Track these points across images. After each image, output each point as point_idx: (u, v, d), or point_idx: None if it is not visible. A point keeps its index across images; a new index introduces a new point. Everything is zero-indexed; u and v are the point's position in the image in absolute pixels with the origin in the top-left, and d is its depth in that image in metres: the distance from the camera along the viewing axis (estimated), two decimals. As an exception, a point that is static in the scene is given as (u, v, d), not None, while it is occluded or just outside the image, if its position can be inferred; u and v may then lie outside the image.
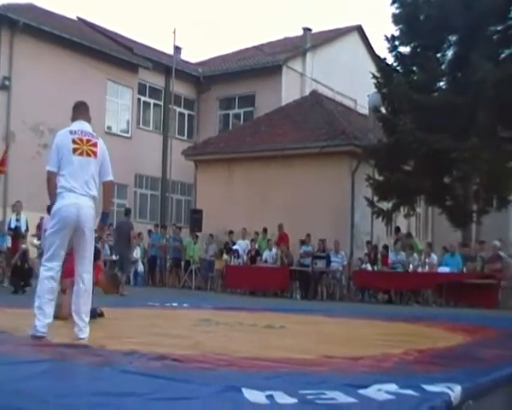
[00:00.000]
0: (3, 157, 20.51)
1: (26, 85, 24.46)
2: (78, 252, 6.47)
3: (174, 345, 6.16)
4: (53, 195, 6.47)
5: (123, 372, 4.43)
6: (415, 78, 21.43)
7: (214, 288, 21.60)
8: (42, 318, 6.19)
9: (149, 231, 24.89)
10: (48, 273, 6.28)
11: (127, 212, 20.33)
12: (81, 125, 6.66)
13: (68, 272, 6.94)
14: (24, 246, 16.19)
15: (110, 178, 6.76)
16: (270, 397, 3.70)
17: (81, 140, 6.46)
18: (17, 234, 17.28)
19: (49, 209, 6.81)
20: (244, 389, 3.84)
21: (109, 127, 28.52)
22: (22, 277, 15.51)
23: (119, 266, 18.81)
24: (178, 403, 3.52)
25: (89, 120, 6.85)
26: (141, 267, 23.05)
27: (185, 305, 12.70)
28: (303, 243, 20.50)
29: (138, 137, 29.61)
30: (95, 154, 6.53)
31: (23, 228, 17.76)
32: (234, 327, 8.53)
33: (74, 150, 6.38)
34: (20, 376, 4.15)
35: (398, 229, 21.28)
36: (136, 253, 22.74)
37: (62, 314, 7.94)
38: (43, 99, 24.75)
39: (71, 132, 6.52)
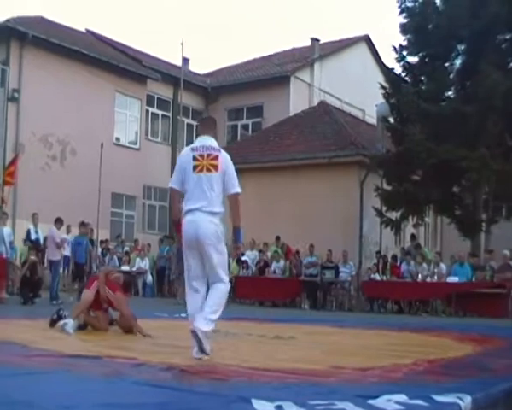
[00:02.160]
0: (13, 169, 20.60)
1: (35, 97, 24.56)
2: (206, 267, 6.33)
3: (183, 356, 6.12)
4: (175, 211, 6.65)
5: (132, 384, 4.44)
6: (423, 87, 21.39)
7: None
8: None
9: (161, 241, 24.90)
10: (192, 294, 6.34)
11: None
12: (203, 141, 6.54)
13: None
14: (33, 257, 16.22)
15: (235, 190, 6.47)
16: (279, 408, 3.70)
17: (201, 156, 6.35)
18: (37, 246, 17.33)
19: (174, 223, 6.80)
20: (253, 400, 3.84)
21: (118, 139, 28.60)
22: (31, 288, 15.53)
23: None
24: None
25: (214, 135, 6.69)
26: (150, 279, 23.04)
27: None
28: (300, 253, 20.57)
29: (147, 148, 29.65)
30: (215, 168, 6.35)
31: (41, 240, 17.82)
32: (243, 338, 8.51)
33: (194, 168, 6.31)
34: (31, 387, 4.18)
35: (413, 236, 21.27)
36: (145, 264, 22.76)
37: (100, 326, 8.18)
38: (52, 111, 24.86)
39: (192, 149, 6.47)
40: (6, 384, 4.21)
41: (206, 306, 6.13)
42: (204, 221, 6.20)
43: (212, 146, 6.47)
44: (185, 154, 6.50)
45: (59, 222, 17.10)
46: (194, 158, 6.34)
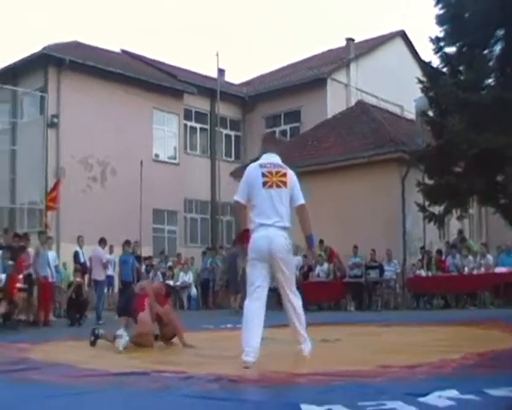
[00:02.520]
0: (55, 194, 20.89)
1: (73, 121, 24.94)
2: (279, 281, 6.63)
3: (231, 366, 6.12)
4: (240, 224, 6.86)
5: (182, 397, 4.43)
6: (462, 78, 21.06)
7: (269, 306, 21.41)
8: (252, 348, 6.25)
9: (203, 254, 24.98)
10: (251, 307, 6.53)
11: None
12: (270, 158, 6.75)
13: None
14: (78, 279, 16.42)
15: (301, 201, 6.75)
16: (329, 411, 3.61)
17: (270, 173, 6.56)
18: (85, 268, 17.53)
19: (238, 237, 7.05)
20: (302, 405, 3.81)
21: (157, 155, 28.85)
22: (78, 309, 15.69)
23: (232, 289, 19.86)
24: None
25: (278, 152, 6.89)
26: (194, 291, 23.11)
27: (240, 325, 12.63)
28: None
29: (186, 162, 29.81)
30: (285, 184, 6.59)
31: (87, 263, 18.03)
32: (290, 344, 8.43)
33: (264, 184, 6.50)
34: (80, 407, 4.21)
35: (460, 232, 21.01)
36: (189, 278, 22.85)
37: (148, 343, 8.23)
38: (90, 132, 25.19)
39: (260, 166, 6.65)
40: (55, 405, 4.25)
41: (300, 330, 6.69)
42: (277, 236, 6.42)
43: (279, 163, 6.69)
44: (253, 170, 6.65)
45: (103, 242, 17.35)
46: (263, 174, 6.53)
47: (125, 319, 8.94)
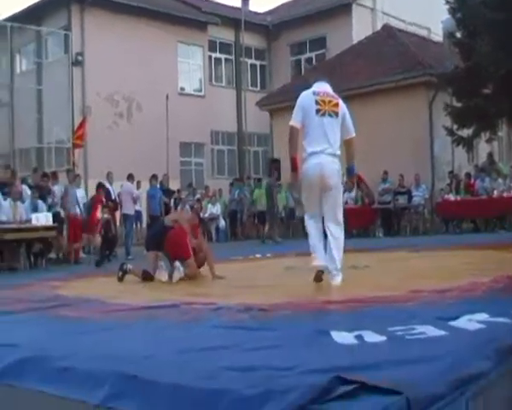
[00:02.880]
0: (82, 132, 20.92)
1: (98, 58, 24.85)
2: (325, 206, 6.84)
3: (260, 295, 6.19)
4: (293, 148, 6.80)
5: (211, 327, 4.48)
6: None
7: (296, 234, 21.53)
8: (320, 255, 6.85)
9: (231, 185, 25.04)
10: (313, 225, 6.93)
11: (270, 173, 20.71)
12: (323, 87, 6.91)
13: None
14: (106, 215, 16.51)
15: (352, 135, 7.00)
16: (358, 337, 3.66)
17: (323, 101, 6.71)
18: (116, 205, 17.65)
19: (292, 160, 6.92)
20: (332, 332, 3.83)
21: (182, 88, 28.75)
22: (107, 246, 15.83)
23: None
24: (268, 352, 3.50)
25: (329, 82, 7.07)
26: (222, 223, 23.21)
27: (268, 255, 12.72)
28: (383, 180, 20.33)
29: (212, 94, 29.69)
30: (336, 114, 6.77)
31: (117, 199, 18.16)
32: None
33: (317, 111, 6.67)
34: (112, 340, 4.24)
35: (490, 155, 20.75)
36: (217, 209, 22.91)
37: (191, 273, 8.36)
38: (115, 69, 25.10)
39: (314, 93, 6.79)
40: (91, 339, 4.29)
41: (334, 260, 6.73)
42: (328, 162, 6.66)
43: (331, 93, 6.89)
44: (307, 96, 6.80)
45: (131, 178, 17.48)
46: (317, 102, 6.69)
47: (153, 254, 8.88)
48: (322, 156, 6.65)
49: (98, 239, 14.82)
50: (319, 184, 6.70)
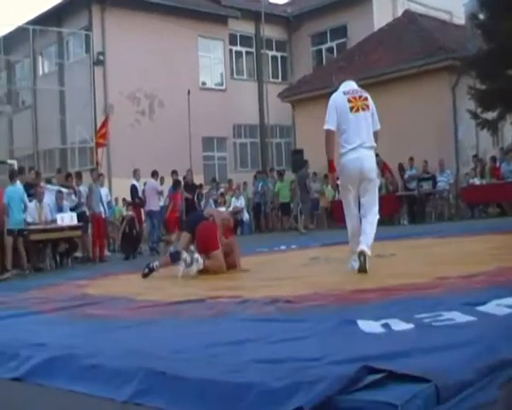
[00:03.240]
0: (104, 130, 21.05)
1: (119, 56, 24.99)
2: (362, 198, 7.20)
3: (285, 287, 6.19)
4: (331, 152, 7.14)
5: (238, 321, 4.50)
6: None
7: (321, 225, 21.49)
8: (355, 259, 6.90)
9: (255, 177, 25.04)
10: (352, 218, 7.26)
11: (303, 165, 20.69)
12: (350, 85, 7.25)
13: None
14: (130, 213, 16.58)
15: (378, 127, 7.29)
16: (385, 326, 3.66)
17: (355, 98, 7.08)
18: (142, 202, 17.78)
19: (329, 162, 7.26)
20: (359, 321, 3.84)
21: (204, 83, 28.82)
22: (132, 243, 15.90)
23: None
24: (295, 343, 3.51)
25: (354, 79, 7.45)
26: (246, 216, 23.21)
27: (293, 246, 12.71)
28: (402, 168, 20.16)
29: (233, 87, 29.72)
30: (368, 107, 7.14)
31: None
32: (344, 261, 8.42)
33: (351, 109, 7.03)
34: (142, 336, 4.29)
35: None
36: (241, 203, 22.91)
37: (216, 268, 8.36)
38: (136, 67, 25.22)
39: (344, 93, 7.14)
40: (118, 336, 4.34)
41: (367, 237, 6.92)
42: (367, 156, 7.03)
43: (359, 89, 7.25)
44: (338, 98, 7.14)
45: (155, 175, 17.56)
46: (349, 100, 7.05)
47: (188, 235, 9.02)
48: (361, 150, 6.96)
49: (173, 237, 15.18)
50: (358, 177, 7.00)
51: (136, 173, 18.07)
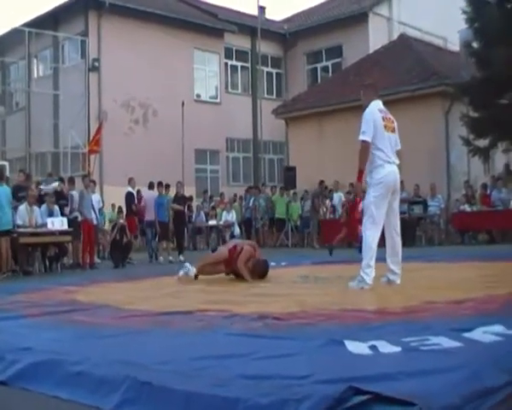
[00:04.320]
0: (97, 137, 21.03)
1: (114, 64, 25.01)
2: (391, 210, 7.57)
3: (274, 304, 6.18)
4: (365, 162, 7.43)
5: (225, 335, 4.49)
6: (508, 6, 20.40)
7: (311, 244, 21.53)
8: (371, 273, 7.23)
9: (246, 192, 25.05)
10: (377, 236, 7.42)
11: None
12: (380, 105, 7.62)
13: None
14: (121, 221, 16.55)
15: (399, 147, 7.72)
16: (373, 347, 3.68)
17: (387, 119, 7.51)
18: (139, 211, 17.92)
19: (360, 173, 7.56)
20: (346, 342, 3.85)
21: (198, 95, 28.87)
22: (122, 251, 15.84)
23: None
24: (282, 360, 3.52)
25: (379, 97, 7.79)
26: (237, 230, 23.19)
27: (283, 263, 12.71)
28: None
29: (227, 101, 29.78)
30: (395, 130, 7.64)
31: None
32: (333, 281, 8.46)
33: (385, 127, 7.42)
34: (128, 346, 4.28)
35: (507, 166, 20.63)
36: (232, 217, 22.92)
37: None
38: (131, 75, 25.24)
39: (379, 111, 7.50)
40: (105, 345, 4.35)
41: (399, 263, 7.56)
42: (397, 172, 7.54)
43: (387, 110, 7.63)
44: (375, 113, 7.42)
45: (152, 187, 17.80)
46: (384, 119, 7.44)
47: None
48: (394, 166, 7.47)
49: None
50: (393, 188, 7.47)
51: (131, 181, 18.07)
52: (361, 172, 7.47)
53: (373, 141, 7.30)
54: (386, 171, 7.36)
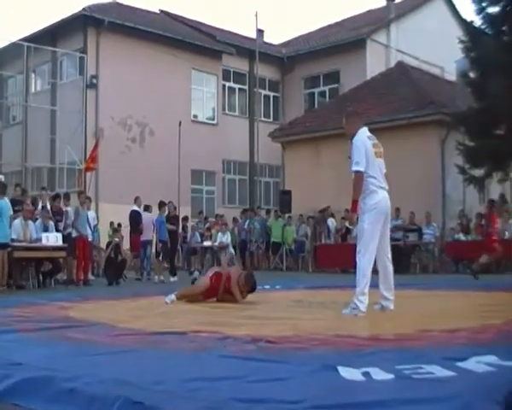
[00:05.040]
0: (94, 154, 21.06)
1: (112, 82, 25.09)
2: (383, 236, 7.60)
3: (267, 327, 6.17)
4: (359, 193, 7.42)
5: (218, 357, 4.46)
6: (505, 38, 20.57)
7: (306, 268, 21.55)
8: (365, 300, 7.23)
9: (242, 213, 25.08)
10: (373, 256, 7.46)
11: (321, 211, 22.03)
12: (368, 132, 7.68)
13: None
14: (116, 239, 16.54)
15: (385, 170, 7.71)
16: (366, 374, 3.67)
17: (376, 145, 7.56)
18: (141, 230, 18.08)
19: (355, 203, 7.53)
20: (340, 368, 3.83)
21: (195, 116, 28.96)
22: (116, 269, 15.81)
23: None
24: (274, 384, 3.51)
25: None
26: (232, 252, 23.16)
27: (277, 287, 12.70)
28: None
29: (224, 123, 29.89)
30: (382, 154, 7.65)
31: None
32: (327, 306, 8.46)
33: (375, 153, 7.48)
34: (120, 365, 4.26)
35: (502, 196, 20.68)
36: (227, 238, 22.91)
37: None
38: (129, 93, 25.31)
39: (368, 138, 7.56)
40: (98, 362, 4.31)
41: (392, 289, 7.70)
42: (389, 199, 7.57)
43: (374, 137, 7.69)
44: (366, 141, 7.48)
45: (149, 209, 18.41)
46: (373, 145, 7.50)
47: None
48: (385, 192, 7.54)
49: None
50: (386, 214, 7.56)
51: (137, 200, 18.37)
52: (355, 203, 7.46)
53: (365, 169, 7.34)
54: (380, 196, 7.42)
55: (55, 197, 16.53)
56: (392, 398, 3.04)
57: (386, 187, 7.57)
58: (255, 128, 28.86)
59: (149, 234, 18.11)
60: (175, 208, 19.01)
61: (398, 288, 7.87)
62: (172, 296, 8.72)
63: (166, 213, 17.93)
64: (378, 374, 3.66)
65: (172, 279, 16.79)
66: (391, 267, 7.79)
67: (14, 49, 25.14)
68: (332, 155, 23.22)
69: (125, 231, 18.69)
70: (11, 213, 13.72)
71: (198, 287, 9.17)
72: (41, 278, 14.59)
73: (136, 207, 18.21)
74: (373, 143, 7.49)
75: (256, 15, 29.01)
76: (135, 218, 18.06)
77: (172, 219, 18.18)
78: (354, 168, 7.34)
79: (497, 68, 19.38)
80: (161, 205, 17.79)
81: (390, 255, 7.78)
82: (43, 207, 15.76)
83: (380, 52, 30.32)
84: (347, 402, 2.92)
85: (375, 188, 7.39)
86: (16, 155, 25.31)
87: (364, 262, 7.37)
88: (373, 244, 7.40)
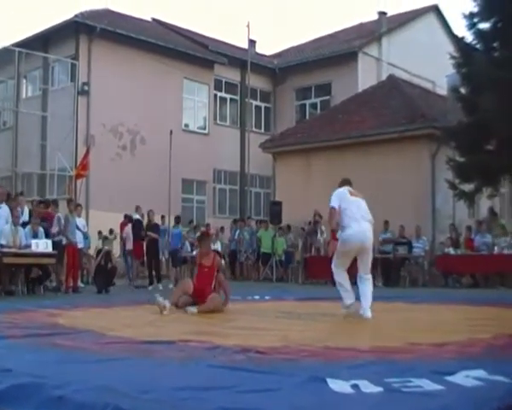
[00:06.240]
0: (85, 161, 21.01)
1: (104, 89, 25.03)
2: (361, 261, 8.75)
3: (257, 337, 6.18)
4: (335, 224, 8.69)
5: (207, 367, 4.47)
6: (496, 54, 20.67)
7: (295, 279, 21.52)
8: (347, 298, 8.74)
9: (233, 223, 25.07)
10: (343, 275, 8.85)
11: (311, 223, 22.22)
12: (348, 188, 8.96)
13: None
14: (107, 247, 16.49)
15: (370, 217, 8.88)
16: (355, 386, 3.68)
17: (352, 193, 8.84)
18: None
19: (333, 235, 9.04)
20: (329, 379, 3.85)
21: (186, 125, 28.96)
22: (106, 277, 15.75)
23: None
24: (263, 395, 3.52)
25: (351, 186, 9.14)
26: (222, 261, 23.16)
27: (267, 297, 12.71)
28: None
29: (216, 132, 29.88)
30: (361, 198, 8.88)
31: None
32: (316, 318, 8.47)
33: (351, 194, 8.77)
34: (109, 372, 4.26)
35: (492, 210, 20.75)
36: (217, 247, 22.88)
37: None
38: (121, 101, 25.28)
39: (346, 190, 8.83)
40: (87, 370, 4.32)
41: (367, 300, 8.51)
42: (367, 230, 8.61)
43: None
44: (342, 191, 8.84)
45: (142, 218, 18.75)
46: (350, 192, 8.81)
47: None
48: (362, 223, 8.57)
49: None
50: (359, 247, 8.54)
51: (138, 209, 18.70)
52: (333, 232, 8.92)
53: (341, 206, 8.57)
54: (352, 231, 8.48)
55: (40, 203, 16.53)
56: (380, 411, 3.04)
57: (367, 217, 8.68)
58: (246, 138, 28.85)
59: (130, 243, 18.83)
60: (163, 217, 19.24)
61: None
62: (193, 309, 8.84)
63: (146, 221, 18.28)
64: (367, 387, 3.67)
65: (161, 287, 16.77)
66: (369, 281, 8.79)
67: (5, 54, 25.01)
68: (323, 166, 23.28)
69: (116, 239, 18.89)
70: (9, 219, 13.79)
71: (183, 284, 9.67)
72: (30, 284, 14.53)
73: (138, 216, 18.59)
74: (349, 190, 8.84)
75: (248, 26, 29.07)
76: (136, 227, 18.49)
77: (153, 227, 18.27)
78: (330, 205, 8.65)
79: (489, 84, 19.47)
80: (177, 218, 18.44)
81: (366, 276, 8.77)
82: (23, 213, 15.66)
83: (371, 65, 30.41)
84: (335, 414, 2.92)
85: (349, 221, 8.51)
86: (6, 161, 25.21)
87: (337, 276, 8.87)
88: (341, 265, 8.80)
